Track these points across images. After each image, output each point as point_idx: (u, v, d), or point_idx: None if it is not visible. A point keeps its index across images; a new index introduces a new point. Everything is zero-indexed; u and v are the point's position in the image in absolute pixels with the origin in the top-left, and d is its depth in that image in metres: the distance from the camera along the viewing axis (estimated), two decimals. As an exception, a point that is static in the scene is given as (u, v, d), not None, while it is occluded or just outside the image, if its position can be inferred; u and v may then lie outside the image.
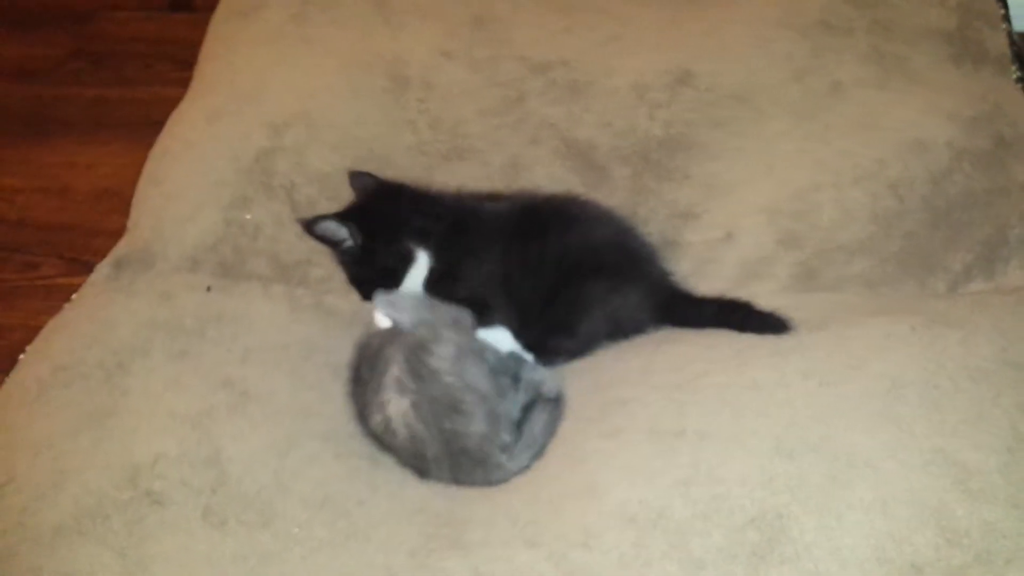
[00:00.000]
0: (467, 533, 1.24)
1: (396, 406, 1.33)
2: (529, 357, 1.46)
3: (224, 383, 1.38)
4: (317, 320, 1.55)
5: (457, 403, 1.32)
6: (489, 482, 1.34)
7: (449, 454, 1.32)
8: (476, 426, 1.32)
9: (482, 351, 1.39)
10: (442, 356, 1.33)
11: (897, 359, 1.26)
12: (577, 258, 1.48)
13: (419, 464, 1.34)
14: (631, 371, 1.42)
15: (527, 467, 1.34)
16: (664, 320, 1.48)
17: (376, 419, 1.35)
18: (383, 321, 1.43)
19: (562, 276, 1.46)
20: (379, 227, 1.47)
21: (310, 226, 1.45)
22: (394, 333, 1.40)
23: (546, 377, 1.42)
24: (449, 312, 1.41)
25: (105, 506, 1.21)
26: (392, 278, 1.48)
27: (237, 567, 1.17)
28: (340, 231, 1.46)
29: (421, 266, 1.47)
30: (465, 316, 1.42)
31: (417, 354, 1.33)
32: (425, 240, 1.47)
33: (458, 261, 1.47)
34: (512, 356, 1.44)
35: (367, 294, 1.49)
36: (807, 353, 1.32)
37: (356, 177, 1.56)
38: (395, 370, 1.34)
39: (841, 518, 1.11)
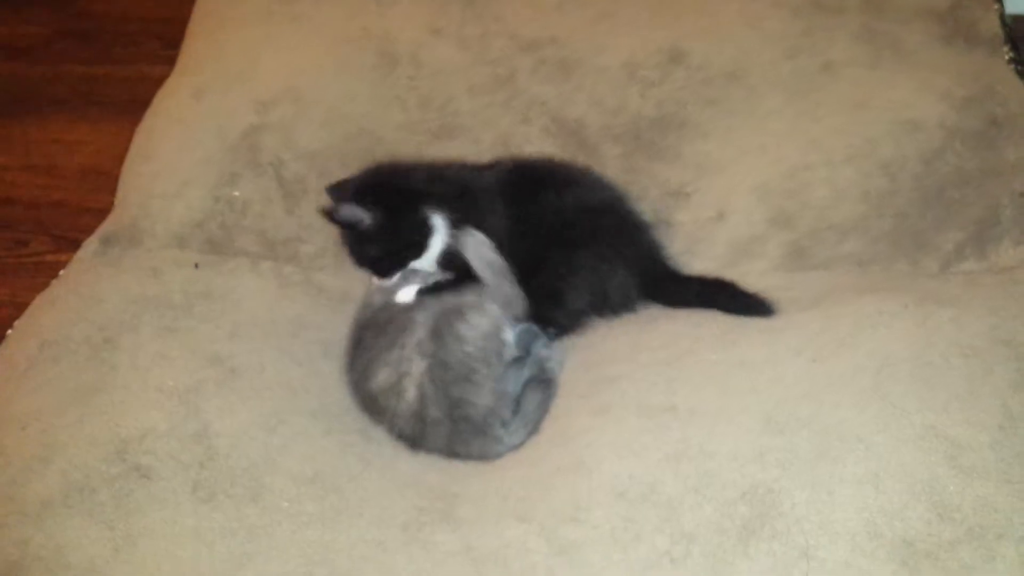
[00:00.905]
0: (459, 508, 1.24)
1: (416, 366, 1.34)
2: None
3: (212, 359, 1.37)
4: (306, 297, 1.54)
5: (471, 373, 1.33)
6: (484, 455, 1.34)
7: (451, 420, 1.33)
8: (484, 399, 1.33)
9: (505, 331, 1.40)
10: (474, 326, 1.35)
11: (888, 336, 1.26)
12: (571, 221, 1.47)
13: (416, 429, 1.35)
14: (620, 349, 1.42)
15: (522, 443, 1.35)
16: (650, 296, 1.48)
17: (380, 378, 1.36)
18: (406, 295, 1.43)
19: (554, 241, 1.46)
20: (397, 202, 1.44)
21: (333, 215, 1.42)
22: (418, 302, 1.42)
23: (553, 355, 1.43)
24: (513, 287, 1.43)
25: (93, 480, 1.21)
26: (414, 251, 1.45)
27: (226, 541, 1.17)
28: (361, 214, 1.41)
29: (440, 234, 1.45)
30: (520, 299, 1.43)
31: (448, 318, 1.35)
32: (440, 207, 1.45)
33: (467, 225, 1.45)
34: (528, 329, 1.44)
35: (385, 271, 1.46)
36: (798, 330, 1.32)
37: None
38: (420, 332, 1.36)
39: (832, 493, 1.11)
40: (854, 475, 1.12)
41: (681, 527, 1.12)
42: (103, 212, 1.68)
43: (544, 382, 1.40)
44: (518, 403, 1.37)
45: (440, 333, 1.34)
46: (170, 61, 1.88)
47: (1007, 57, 1.66)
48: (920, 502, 1.09)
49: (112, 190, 1.70)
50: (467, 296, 1.39)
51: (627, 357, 1.39)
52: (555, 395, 1.39)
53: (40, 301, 1.51)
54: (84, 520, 1.18)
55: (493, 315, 1.38)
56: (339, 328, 1.48)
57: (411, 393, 1.34)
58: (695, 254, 1.56)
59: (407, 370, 1.35)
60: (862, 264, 1.49)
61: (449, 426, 1.33)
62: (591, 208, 1.50)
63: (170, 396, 1.31)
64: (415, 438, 1.35)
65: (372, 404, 1.38)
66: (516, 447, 1.35)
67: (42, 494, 1.20)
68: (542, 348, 1.43)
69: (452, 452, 1.35)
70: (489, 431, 1.34)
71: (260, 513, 1.20)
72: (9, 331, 1.48)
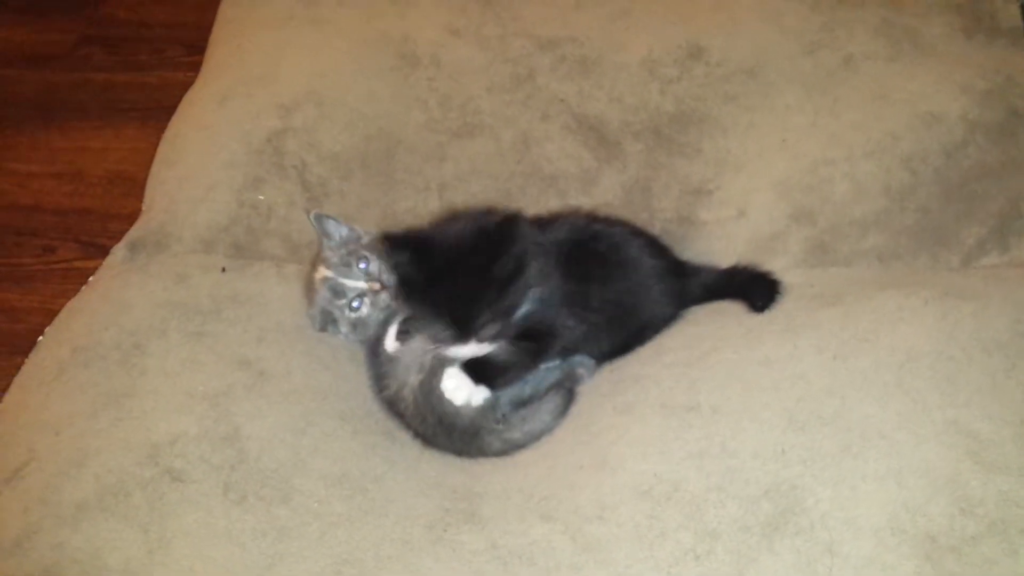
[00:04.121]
0: (483, 507, 1.25)
1: (413, 377, 1.37)
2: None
3: (241, 363, 1.39)
4: (331, 300, 1.55)
5: None
6: (485, 453, 1.37)
7: (443, 427, 1.36)
8: (466, 410, 1.35)
9: None
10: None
11: (910, 332, 1.27)
12: (622, 301, 1.42)
13: (426, 429, 1.38)
14: (643, 350, 1.43)
15: (525, 441, 1.37)
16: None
17: (392, 388, 1.39)
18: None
19: (604, 317, 1.40)
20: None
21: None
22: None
23: (585, 361, 1.43)
24: None
25: (127, 483, 1.23)
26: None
27: (257, 542, 1.19)
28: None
29: None
30: None
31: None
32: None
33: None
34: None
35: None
36: (819, 327, 1.32)
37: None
38: (414, 345, 1.38)
39: (855, 489, 1.11)
40: (877, 471, 1.12)
41: (705, 525, 1.13)
42: (130, 218, 1.69)
43: (566, 390, 1.41)
44: (525, 404, 1.39)
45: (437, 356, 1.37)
46: (194, 67, 1.90)
47: (1028, 48, 1.65)
48: (943, 497, 1.09)
49: (139, 196, 1.72)
50: None
51: (650, 358, 1.40)
52: (575, 400, 1.41)
53: (70, 307, 1.53)
54: (119, 523, 1.20)
55: None
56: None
57: (409, 401, 1.38)
58: (717, 252, 1.57)
59: (405, 380, 1.38)
60: (883, 259, 1.49)
61: (443, 433, 1.37)
62: (641, 283, 1.44)
63: (200, 400, 1.33)
64: (427, 437, 1.39)
65: (389, 409, 1.42)
66: (520, 443, 1.37)
67: (77, 498, 1.22)
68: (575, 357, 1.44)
69: (458, 451, 1.38)
70: (481, 432, 1.36)
71: (290, 514, 1.22)
72: (40, 338, 1.50)
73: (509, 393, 1.38)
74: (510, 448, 1.37)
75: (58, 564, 1.17)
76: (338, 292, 1.45)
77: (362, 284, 1.44)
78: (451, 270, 1.26)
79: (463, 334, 1.26)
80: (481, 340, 1.28)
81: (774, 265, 1.51)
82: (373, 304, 1.45)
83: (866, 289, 1.38)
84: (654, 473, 1.20)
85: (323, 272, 1.47)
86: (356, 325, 1.46)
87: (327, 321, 1.47)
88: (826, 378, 1.24)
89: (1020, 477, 1.10)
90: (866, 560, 1.07)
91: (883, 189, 1.52)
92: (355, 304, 1.45)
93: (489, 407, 1.35)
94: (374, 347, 1.44)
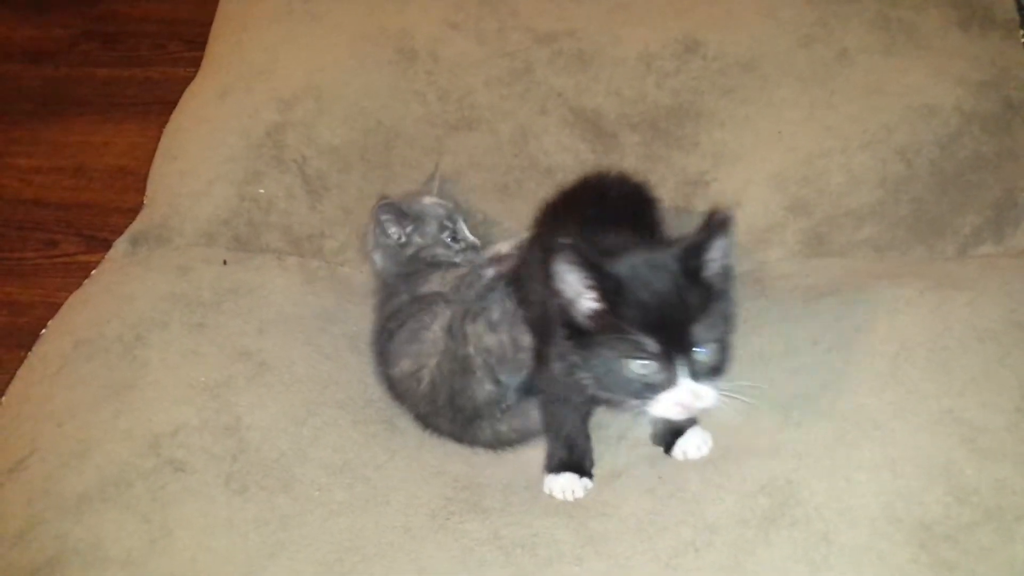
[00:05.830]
0: (486, 498, 1.26)
1: (432, 359, 1.38)
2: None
3: (242, 354, 1.40)
4: (332, 291, 1.57)
5: (468, 368, 1.36)
6: (475, 442, 1.38)
7: (452, 408, 1.37)
8: (480, 393, 1.36)
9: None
10: (479, 333, 1.36)
11: (905, 322, 1.27)
12: None
13: (429, 410, 1.39)
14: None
15: (520, 437, 1.38)
16: None
17: (403, 366, 1.40)
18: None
19: None
20: None
21: None
22: (442, 300, 1.44)
23: None
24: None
25: (128, 474, 1.24)
26: None
27: (259, 531, 1.20)
28: None
29: None
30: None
31: (463, 318, 1.37)
32: None
33: None
34: None
35: None
36: (815, 318, 1.34)
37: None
38: (437, 330, 1.40)
39: (849, 479, 1.12)
40: (871, 461, 1.13)
41: (704, 519, 1.14)
42: (132, 212, 1.71)
43: None
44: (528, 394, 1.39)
45: (453, 331, 1.37)
46: (194, 62, 1.91)
47: (1023, 40, 1.66)
48: (938, 485, 1.10)
49: (140, 190, 1.73)
50: (492, 308, 1.37)
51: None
52: None
53: (73, 301, 1.53)
54: (120, 513, 1.20)
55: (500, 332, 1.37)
56: (364, 321, 1.51)
57: (426, 381, 1.38)
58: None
59: (425, 363, 1.39)
60: (879, 250, 1.50)
61: (451, 413, 1.37)
62: None
63: (201, 391, 1.33)
64: (427, 418, 1.40)
65: (394, 387, 1.43)
66: (506, 439, 1.38)
67: (79, 489, 1.23)
68: None
69: (456, 436, 1.39)
70: (480, 419, 1.37)
71: (292, 503, 1.23)
72: (43, 331, 1.50)
73: (518, 382, 1.37)
74: (497, 442, 1.38)
75: (60, 555, 1.18)
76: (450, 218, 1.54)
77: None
78: (647, 280, 1.05)
79: (672, 362, 1.04)
80: (698, 374, 1.06)
81: (770, 256, 1.53)
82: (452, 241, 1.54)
83: (862, 279, 1.39)
84: (659, 476, 1.22)
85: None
86: (408, 247, 1.53)
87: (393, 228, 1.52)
88: (821, 371, 1.25)
89: (1015, 464, 1.11)
90: (862, 549, 1.07)
91: (879, 180, 1.53)
92: (445, 233, 1.54)
93: (497, 397, 1.36)
94: (381, 326, 1.45)
